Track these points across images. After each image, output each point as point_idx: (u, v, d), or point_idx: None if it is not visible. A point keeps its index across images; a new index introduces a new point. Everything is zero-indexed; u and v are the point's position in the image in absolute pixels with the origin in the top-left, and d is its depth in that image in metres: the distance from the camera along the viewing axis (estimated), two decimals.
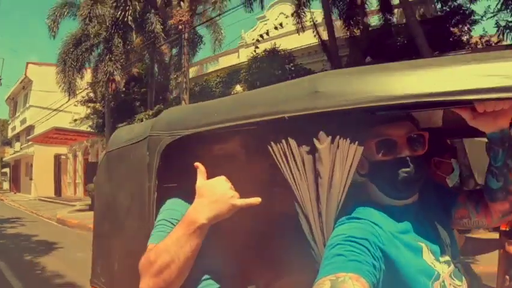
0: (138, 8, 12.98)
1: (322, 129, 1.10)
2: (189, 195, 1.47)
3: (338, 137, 1.09)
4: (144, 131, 1.47)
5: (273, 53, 11.48)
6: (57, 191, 25.21)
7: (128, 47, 13.99)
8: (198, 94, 13.78)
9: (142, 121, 12.30)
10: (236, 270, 1.60)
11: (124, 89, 15.01)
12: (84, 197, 19.20)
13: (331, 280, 0.83)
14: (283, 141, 1.15)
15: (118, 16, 12.55)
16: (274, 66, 10.91)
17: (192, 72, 16.19)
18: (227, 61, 16.54)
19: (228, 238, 1.58)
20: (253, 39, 13.64)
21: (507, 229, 2.08)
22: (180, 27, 12.07)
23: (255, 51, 11.89)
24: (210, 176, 1.46)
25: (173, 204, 1.40)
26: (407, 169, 1.04)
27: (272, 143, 1.17)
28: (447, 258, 1.06)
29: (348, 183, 1.07)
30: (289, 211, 1.75)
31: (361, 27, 10.99)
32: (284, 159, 1.15)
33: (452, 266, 1.07)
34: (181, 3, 12.19)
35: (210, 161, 1.47)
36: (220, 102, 1.32)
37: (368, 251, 0.93)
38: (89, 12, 13.19)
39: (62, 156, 25.32)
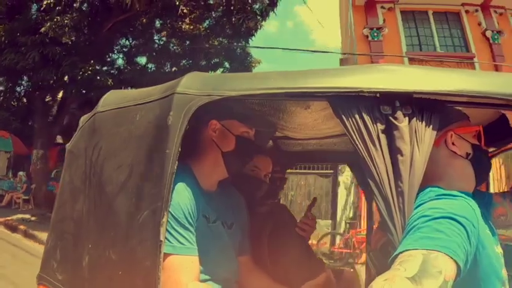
0: None
1: (398, 110, 1.09)
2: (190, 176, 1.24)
3: (414, 119, 1.09)
4: (164, 89, 1.21)
5: None
6: None
7: None
8: None
9: None
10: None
11: None
12: None
13: (424, 254, 0.80)
14: (357, 116, 1.09)
15: None
16: None
17: None
18: None
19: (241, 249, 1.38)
20: None
21: None
22: None
23: None
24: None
25: (175, 194, 1.15)
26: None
27: (344, 117, 1.10)
28: (501, 250, 1.10)
29: (425, 164, 1.06)
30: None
31: None
32: (358, 135, 1.08)
33: (503, 258, 1.10)
34: None
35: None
36: (276, 72, 1.20)
37: (466, 233, 0.89)
38: None
39: None
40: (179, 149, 1.12)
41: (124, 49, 11.45)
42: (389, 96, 1.09)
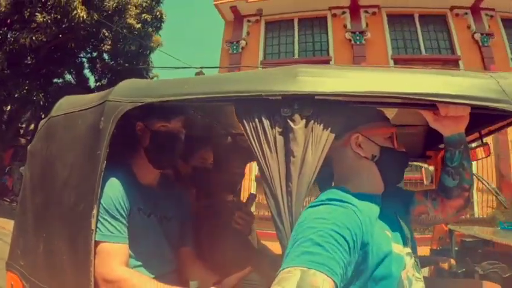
0: None
1: (297, 113, 1.12)
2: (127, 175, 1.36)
3: (312, 121, 1.12)
4: (101, 96, 1.35)
5: None
6: None
7: None
8: None
9: None
10: (174, 266, 1.49)
11: None
12: None
13: (302, 271, 0.82)
14: (257, 120, 1.15)
15: None
16: None
17: None
18: None
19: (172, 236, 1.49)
20: None
21: (438, 248, 2.25)
22: None
23: None
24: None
25: (108, 189, 1.29)
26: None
27: (245, 121, 1.16)
28: (409, 250, 1.10)
29: (319, 165, 1.08)
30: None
31: None
32: (256, 137, 1.14)
33: (413, 258, 1.10)
34: None
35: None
36: (194, 78, 1.29)
37: (347, 244, 0.90)
38: None
39: None
40: (108, 150, 1.26)
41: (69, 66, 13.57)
42: (290, 99, 1.13)
